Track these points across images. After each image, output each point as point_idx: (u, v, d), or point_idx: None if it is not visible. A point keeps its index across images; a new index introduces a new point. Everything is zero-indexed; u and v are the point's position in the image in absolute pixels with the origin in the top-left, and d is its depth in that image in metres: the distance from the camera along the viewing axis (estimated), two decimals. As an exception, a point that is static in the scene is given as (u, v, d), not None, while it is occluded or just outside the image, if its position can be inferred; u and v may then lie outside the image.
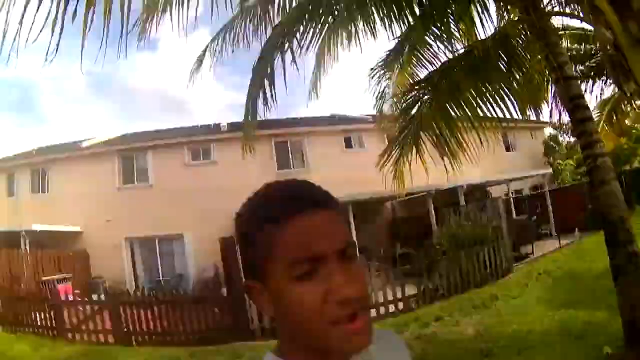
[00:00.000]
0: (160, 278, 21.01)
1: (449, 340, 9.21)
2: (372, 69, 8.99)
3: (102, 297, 12.99)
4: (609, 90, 9.47)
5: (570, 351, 6.85)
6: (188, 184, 20.67)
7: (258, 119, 7.58)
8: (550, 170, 26.48)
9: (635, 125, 19.53)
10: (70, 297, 13.24)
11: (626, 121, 10.19)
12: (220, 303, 11.85)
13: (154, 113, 72.62)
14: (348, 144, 23.85)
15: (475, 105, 6.75)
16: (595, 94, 9.38)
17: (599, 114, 9.75)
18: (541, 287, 11.91)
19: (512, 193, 25.08)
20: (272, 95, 6.88)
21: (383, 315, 12.14)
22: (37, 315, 12.36)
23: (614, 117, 9.86)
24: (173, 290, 12.92)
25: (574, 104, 5.75)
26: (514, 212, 22.82)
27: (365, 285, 0.97)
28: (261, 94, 6.99)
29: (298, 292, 0.88)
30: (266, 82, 6.85)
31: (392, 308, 12.38)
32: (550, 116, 8.83)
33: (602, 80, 8.83)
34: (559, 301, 9.82)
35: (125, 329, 11.64)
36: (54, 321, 11.94)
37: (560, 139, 29.55)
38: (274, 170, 22.24)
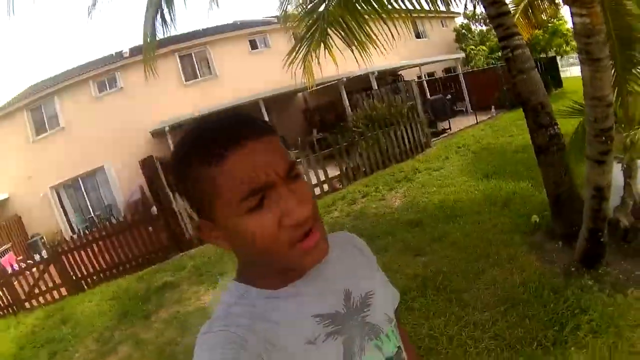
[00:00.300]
0: (92, 215, 20.71)
1: (378, 214, 9.44)
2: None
3: (44, 254, 12.47)
4: None
5: (498, 219, 7.07)
6: (99, 117, 20.05)
7: (158, 38, 7.40)
8: (462, 54, 27.06)
9: (551, 19, 20.18)
10: (16, 267, 12.59)
11: (542, 15, 10.34)
12: (153, 222, 11.75)
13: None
14: (253, 45, 23.52)
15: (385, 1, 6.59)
16: None
17: (514, 8, 9.86)
18: (462, 160, 12.20)
19: (425, 76, 25.53)
20: (170, 12, 6.69)
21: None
22: None
23: (530, 12, 9.99)
24: (106, 222, 12.68)
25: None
26: (427, 92, 23.24)
27: (313, 200, 0.99)
28: (159, 14, 6.79)
29: (252, 223, 0.91)
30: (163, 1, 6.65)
31: (317, 190, 12.61)
32: (465, 8, 8.73)
33: None
34: (482, 172, 10.09)
35: (73, 277, 11.33)
36: (9, 297, 11.26)
37: (473, 27, 30.00)
38: (181, 83, 21.89)
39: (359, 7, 6.75)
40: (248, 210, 0.90)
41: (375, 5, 6.63)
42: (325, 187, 12.82)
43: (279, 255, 0.94)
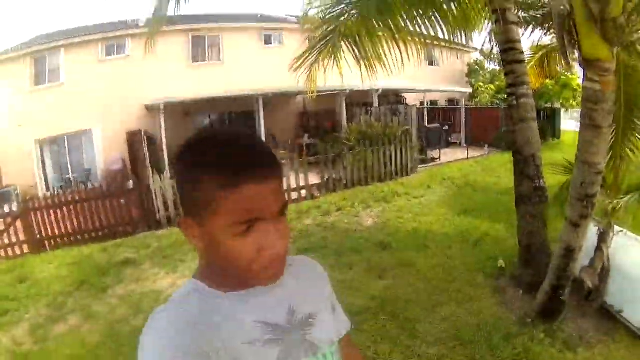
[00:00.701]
0: (70, 175, 20.52)
1: (349, 230, 9.41)
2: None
3: (14, 207, 12.21)
4: (547, 39, 9.63)
5: (466, 257, 7.10)
6: (100, 80, 19.91)
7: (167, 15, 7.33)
8: (470, 90, 27.05)
9: (565, 72, 20.31)
10: None
11: (557, 67, 10.37)
12: (127, 195, 11.59)
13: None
14: (267, 40, 23.48)
15: (402, 25, 6.51)
16: (533, 39, 9.48)
17: (531, 55, 9.86)
18: (444, 192, 12.18)
19: (427, 103, 25.57)
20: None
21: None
22: None
23: (546, 62, 10.01)
24: (81, 187, 12.51)
25: (509, 46, 5.78)
26: (426, 119, 23.19)
27: (289, 236, 1.07)
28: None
29: (234, 246, 0.98)
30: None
31: (295, 195, 12.59)
32: (482, 46, 8.75)
33: (543, 30, 8.83)
34: (461, 208, 10.09)
35: (38, 236, 11.12)
36: None
37: (486, 65, 30.06)
38: (188, 63, 21.75)
39: (376, 26, 6.70)
40: (234, 234, 0.97)
41: (393, 28, 6.56)
42: (304, 192, 12.78)
43: (245, 272, 1.02)
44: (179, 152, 1.06)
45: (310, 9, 8.43)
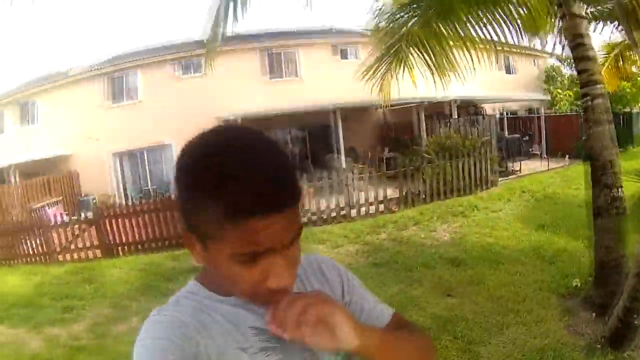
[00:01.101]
0: (149, 187, 21.24)
1: (423, 245, 9.33)
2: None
3: (89, 214, 12.91)
4: (618, 35, 9.29)
5: (540, 274, 6.88)
6: (177, 96, 20.59)
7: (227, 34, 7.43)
8: (548, 97, 26.29)
9: None
10: (59, 220, 13.24)
11: (633, 68, 10.00)
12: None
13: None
14: (344, 55, 23.62)
15: (468, 26, 6.47)
16: (604, 37, 9.17)
17: (605, 55, 9.56)
18: (523, 205, 11.90)
19: (506, 113, 25.05)
20: (237, 8, 6.69)
21: (363, 216, 12.35)
22: (28, 243, 12.32)
23: (620, 62, 9.68)
24: (158, 198, 12.96)
25: (578, 42, 5.52)
26: (506, 130, 22.72)
27: (297, 267, 1.00)
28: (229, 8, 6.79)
29: (238, 273, 0.91)
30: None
31: (372, 209, 12.54)
32: (554, 47, 8.50)
33: (614, 25, 8.56)
34: (538, 222, 9.81)
35: (110, 242, 11.75)
36: (44, 246, 11.96)
37: (563, 70, 29.14)
38: (264, 79, 22.21)
39: (443, 30, 6.65)
40: (237, 262, 0.89)
41: (459, 30, 6.54)
42: (381, 207, 12.71)
43: (245, 295, 0.97)
44: (180, 157, 0.94)
45: (380, 21, 8.37)
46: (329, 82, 21.23)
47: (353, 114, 20.38)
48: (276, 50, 22.54)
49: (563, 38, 6.88)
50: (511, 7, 6.23)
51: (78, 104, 21.08)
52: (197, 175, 0.89)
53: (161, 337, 0.92)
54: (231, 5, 6.59)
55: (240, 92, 20.42)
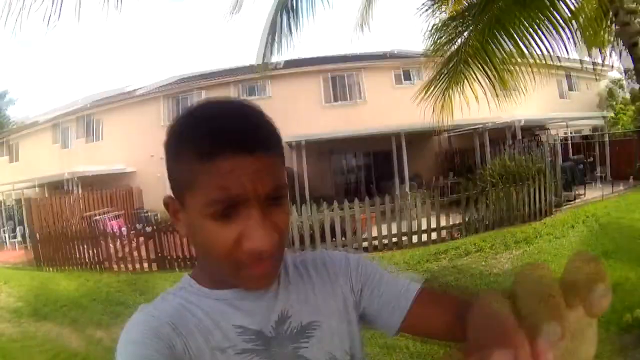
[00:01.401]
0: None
1: (483, 273, 9.33)
2: (423, 3, 8.11)
3: (149, 228, 13.60)
4: None
5: None
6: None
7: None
8: (611, 113, 25.59)
9: None
10: (117, 231, 13.90)
11: None
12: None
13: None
14: (406, 77, 23.95)
15: (521, 38, 6.18)
16: None
17: None
18: (586, 231, 11.65)
19: (571, 133, 24.52)
20: (284, 38, 6.81)
21: (425, 242, 12.38)
22: (86, 251, 13.11)
23: None
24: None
25: (634, 40, 5.21)
26: (570, 151, 22.26)
27: (281, 233, 0.95)
28: (283, 36, 6.95)
29: (211, 229, 0.89)
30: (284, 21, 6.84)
31: (434, 236, 12.56)
32: (610, 56, 7.81)
33: None
34: (602, 248, 9.58)
35: (167, 257, 12.29)
36: (101, 255, 12.70)
37: (625, 84, 28.18)
38: (328, 102, 22.96)
39: (500, 40, 6.44)
40: (211, 215, 0.88)
41: (514, 43, 6.32)
42: (444, 233, 12.74)
43: (225, 269, 0.94)
44: (171, 124, 0.98)
45: (438, 37, 8.12)
46: (391, 106, 21.48)
47: (417, 138, 20.49)
48: (339, 74, 22.95)
49: (621, 43, 6.41)
50: (564, 14, 5.90)
51: (142, 122, 22.50)
52: (173, 129, 0.95)
53: (135, 340, 0.92)
54: (277, 35, 6.75)
55: (303, 115, 20.91)
